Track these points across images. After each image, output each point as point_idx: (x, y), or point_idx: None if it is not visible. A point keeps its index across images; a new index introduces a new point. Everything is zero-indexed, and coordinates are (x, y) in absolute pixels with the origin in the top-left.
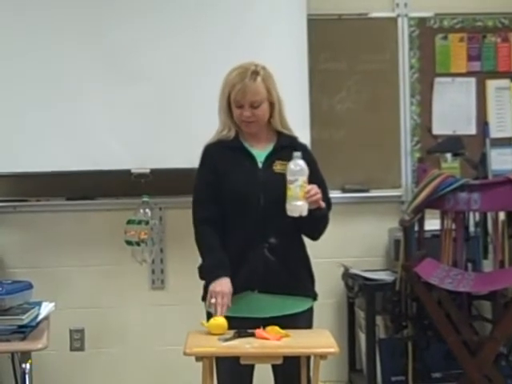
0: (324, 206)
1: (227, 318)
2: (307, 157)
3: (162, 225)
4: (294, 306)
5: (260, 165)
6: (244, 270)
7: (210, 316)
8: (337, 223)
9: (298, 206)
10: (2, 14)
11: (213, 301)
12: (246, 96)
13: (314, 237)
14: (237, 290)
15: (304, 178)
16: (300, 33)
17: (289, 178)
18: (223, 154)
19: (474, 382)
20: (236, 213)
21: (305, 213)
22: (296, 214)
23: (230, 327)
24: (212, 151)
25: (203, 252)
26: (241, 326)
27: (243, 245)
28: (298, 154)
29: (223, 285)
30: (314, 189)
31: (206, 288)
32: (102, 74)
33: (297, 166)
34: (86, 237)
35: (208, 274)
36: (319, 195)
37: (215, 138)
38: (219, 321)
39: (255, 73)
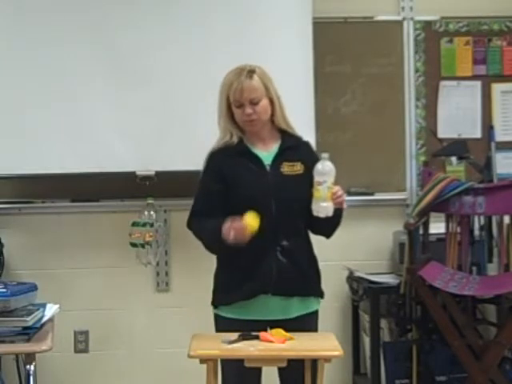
0: (346, 206)
1: (238, 320)
2: (311, 155)
3: (167, 227)
4: (304, 307)
5: (268, 168)
6: (258, 274)
7: (217, 319)
8: (341, 226)
9: (324, 207)
10: (8, 17)
11: (231, 234)
12: (243, 94)
13: (328, 235)
14: (251, 293)
15: (332, 179)
16: (305, 36)
17: (317, 179)
18: (229, 160)
19: None
20: None
21: (330, 214)
22: (323, 215)
23: (242, 329)
24: (217, 158)
25: (202, 231)
26: (253, 328)
27: (256, 249)
28: (326, 155)
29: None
30: (341, 190)
31: (214, 293)
32: (108, 77)
33: (325, 167)
34: (90, 239)
35: (214, 234)
36: (345, 196)
37: (219, 144)
38: (251, 216)
39: (251, 71)
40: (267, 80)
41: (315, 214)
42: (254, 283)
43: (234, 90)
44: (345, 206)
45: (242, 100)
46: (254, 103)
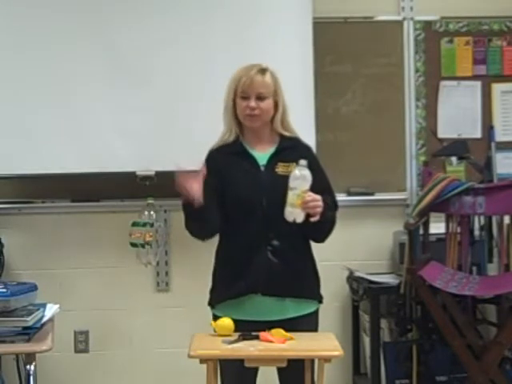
0: (317, 219)
1: (234, 320)
2: (310, 157)
3: (167, 227)
4: (298, 308)
5: (262, 168)
6: (248, 273)
7: (216, 318)
8: (341, 226)
9: (290, 212)
10: (8, 17)
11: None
12: (252, 85)
13: (317, 240)
14: (241, 292)
15: (304, 187)
16: (305, 36)
17: (290, 183)
18: (226, 160)
19: None
20: (239, 216)
21: (299, 220)
22: (290, 219)
23: (235, 330)
24: (215, 157)
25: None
26: (246, 328)
27: (247, 248)
28: (303, 162)
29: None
30: (314, 200)
31: (211, 292)
32: (108, 77)
33: (297, 174)
34: (90, 239)
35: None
36: (319, 208)
37: (218, 143)
38: (225, 322)
39: (264, 69)
40: (278, 83)
41: (285, 217)
42: (242, 282)
43: (244, 80)
44: (316, 218)
45: (249, 91)
46: (260, 98)
